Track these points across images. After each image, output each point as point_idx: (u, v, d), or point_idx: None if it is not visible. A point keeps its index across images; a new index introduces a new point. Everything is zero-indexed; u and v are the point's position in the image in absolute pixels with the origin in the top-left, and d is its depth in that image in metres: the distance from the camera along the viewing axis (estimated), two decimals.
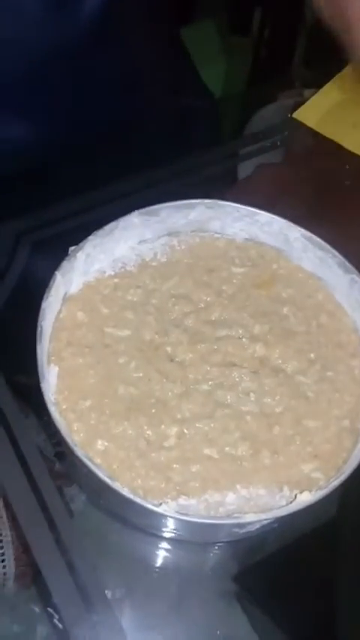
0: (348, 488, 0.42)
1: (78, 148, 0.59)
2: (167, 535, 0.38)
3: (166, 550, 0.42)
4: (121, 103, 0.62)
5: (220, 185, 0.59)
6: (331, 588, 0.40)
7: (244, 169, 0.61)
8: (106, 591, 0.38)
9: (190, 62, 0.72)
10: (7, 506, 0.38)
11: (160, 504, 0.31)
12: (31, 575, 0.40)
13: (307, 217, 0.45)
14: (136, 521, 0.39)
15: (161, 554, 0.42)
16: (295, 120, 0.61)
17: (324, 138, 0.59)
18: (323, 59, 0.61)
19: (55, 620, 0.38)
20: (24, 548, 0.38)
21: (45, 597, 0.39)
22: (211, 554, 0.43)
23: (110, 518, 0.42)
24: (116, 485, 0.31)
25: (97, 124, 0.59)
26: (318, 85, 0.62)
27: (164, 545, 0.42)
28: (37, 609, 0.40)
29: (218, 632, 0.40)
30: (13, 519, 0.38)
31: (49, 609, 0.38)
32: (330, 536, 0.42)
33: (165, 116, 0.67)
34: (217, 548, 0.42)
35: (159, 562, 0.42)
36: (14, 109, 0.58)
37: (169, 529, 0.36)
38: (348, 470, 0.33)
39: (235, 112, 0.77)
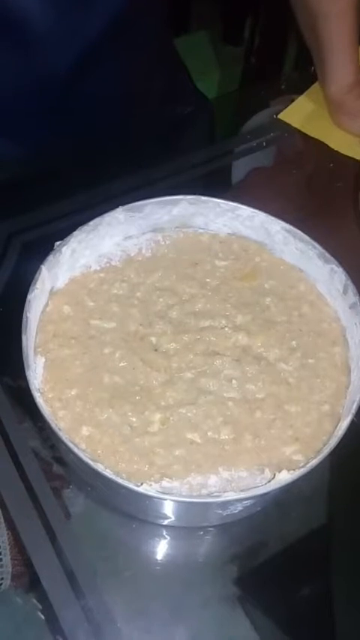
0: (338, 491, 0.43)
1: (73, 154, 0.60)
2: (155, 521, 0.39)
3: (164, 544, 0.43)
4: (117, 116, 0.63)
5: (214, 185, 0.60)
6: (332, 590, 0.40)
7: (237, 171, 0.62)
8: (98, 580, 0.39)
9: (185, 71, 0.73)
10: (4, 507, 0.39)
11: (142, 485, 0.32)
12: (29, 574, 0.40)
13: (300, 219, 0.46)
14: (123, 507, 0.39)
15: (158, 549, 0.43)
16: (281, 121, 0.62)
17: (313, 140, 0.61)
18: (312, 64, 0.63)
19: (39, 612, 0.39)
20: (20, 548, 0.39)
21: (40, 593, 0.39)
22: (210, 553, 0.44)
23: (109, 518, 0.43)
24: (98, 467, 0.32)
25: (90, 136, 0.60)
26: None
27: (161, 539, 0.43)
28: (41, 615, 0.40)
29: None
30: (9, 521, 0.39)
31: (33, 600, 0.39)
32: (329, 538, 0.42)
33: (161, 124, 0.69)
34: (214, 544, 0.43)
35: (156, 556, 0.43)
36: (5, 131, 0.59)
37: (155, 512, 0.36)
38: (326, 450, 0.34)
39: (228, 119, 0.79)
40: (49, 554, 0.37)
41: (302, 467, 0.34)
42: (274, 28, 1.01)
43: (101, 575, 0.40)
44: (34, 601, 0.40)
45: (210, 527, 0.41)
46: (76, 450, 0.32)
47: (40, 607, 0.39)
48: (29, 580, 0.40)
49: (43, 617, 0.39)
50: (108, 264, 0.43)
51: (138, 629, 0.39)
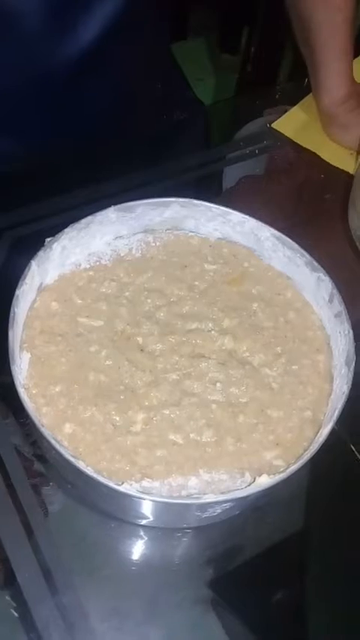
0: (315, 498, 0.43)
1: (68, 153, 0.60)
2: (134, 521, 0.39)
3: (141, 544, 0.43)
4: (114, 118, 0.63)
5: (205, 191, 0.61)
6: (304, 596, 0.41)
7: (229, 178, 0.63)
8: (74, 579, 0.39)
9: (181, 77, 0.74)
10: None
11: (122, 484, 0.32)
12: (4, 571, 0.40)
13: (289, 228, 0.46)
14: (103, 506, 0.39)
15: (135, 549, 0.43)
16: (274, 130, 0.63)
17: (304, 150, 0.61)
18: (307, 75, 0.63)
19: (12, 610, 0.39)
20: None
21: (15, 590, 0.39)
22: (186, 555, 0.44)
23: (87, 516, 0.43)
24: (80, 465, 0.32)
25: (86, 135, 0.60)
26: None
27: (139, 540, 0.43)
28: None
29: None
30: None
31: (7, 597, 0.39)
32: (304, 545, 0.43)
33: (156, 127, 0.69)
34: (191, 546, 0.43)
35: (133, 556, 0.43)
36: (2, 128, 0.59)
37: (134, 512, 0.36)
38: (306, 456, 0.34)
39: (222, 127, 0.79)
40: (26, 551, 0.37)
41: (282, 472, 0.34)
42: (270, 39, 1.02)
43: (77, 573, 0.40)
44: (8, 598, 0.40)
45: (188, 529, 0.41)
46: (57, 446, 0.32)
47: (14, 604, 0.39)
48: (4, 577, 0.40)
49: (16, 614, 0.39)
50: (98, 263, 0.43)
51: (112, 628, 0.39)
